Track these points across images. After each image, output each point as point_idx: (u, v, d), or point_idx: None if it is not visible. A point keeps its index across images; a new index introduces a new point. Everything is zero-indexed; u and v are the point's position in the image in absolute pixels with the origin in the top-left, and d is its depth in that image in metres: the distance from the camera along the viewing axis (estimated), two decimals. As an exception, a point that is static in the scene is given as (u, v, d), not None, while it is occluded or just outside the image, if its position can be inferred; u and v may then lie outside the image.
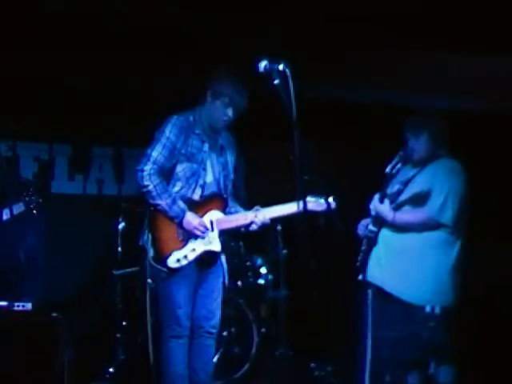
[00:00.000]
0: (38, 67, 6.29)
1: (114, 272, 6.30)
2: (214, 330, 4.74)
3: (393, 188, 4.74)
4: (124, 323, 6.26)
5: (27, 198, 4.85)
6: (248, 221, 4.68)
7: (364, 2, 5.45)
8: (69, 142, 7.05)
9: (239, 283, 6.45)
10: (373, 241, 4.71)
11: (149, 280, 6.23)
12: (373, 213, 4.72)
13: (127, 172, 7.26)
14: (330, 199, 4.61)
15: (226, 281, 4.85)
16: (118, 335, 6.20)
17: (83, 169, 7.11)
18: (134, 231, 6.32)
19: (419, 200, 4.60)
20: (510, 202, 6.95)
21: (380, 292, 4.67)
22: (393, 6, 5.41)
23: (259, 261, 6.56)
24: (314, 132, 4.73)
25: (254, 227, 4.69)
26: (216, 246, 4.68)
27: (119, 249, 6.31)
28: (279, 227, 6.33)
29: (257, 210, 4.69)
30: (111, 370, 6.08)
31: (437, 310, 4.58)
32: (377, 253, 4.70)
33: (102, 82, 6.64)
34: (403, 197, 4.69)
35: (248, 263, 6.51)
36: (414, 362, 4.60)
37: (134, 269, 6.35)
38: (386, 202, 4.64)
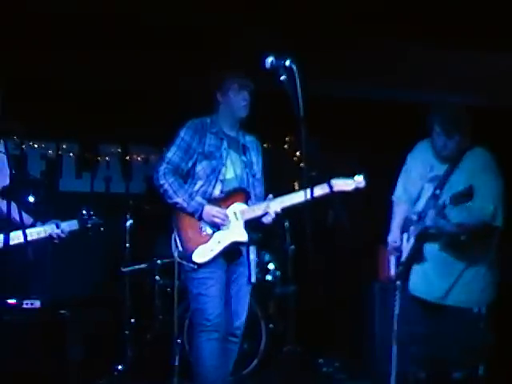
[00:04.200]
0: (45, 67, 6.30)
1: (122, 269, 6.30)
2: (237, 332, 4.72)
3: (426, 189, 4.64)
4: (132, 320, 6.25)
5: (85, 217, 4.82)
6: (262, 211, 4.66)
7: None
8: (76, 140, 7.08)
9: (252, 276, 6.45)
10: (416, 256, 4.61)
11: (156, 277, 6.28)
12: (415, 232, 4.59)
13: (134, 170, 7.28)
14: (359, 178, 4.65)
15: (253, 278, 4.82)
16: (127, 332, 6.20)
17: (91, 167, 7.13)
18: (141, 229, 6.37)
19: (463, 202, 4.36)
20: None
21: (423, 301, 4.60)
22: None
23: (267, 257, 6.55)
24: (322, 128, 4.72)
25: (268, 218, 4.66)
26: (242, 237, 4.67)
27: (127, 246, 6.31)
28: (287, 223, 6.32)
29: (269, 199, 4.68)
30: (120, 367, 6.07)
31: (483, 310, 4.57)
32: (424, 269, 4.59)
33: (109, 81, 6.66)
34: (443, 200, 4.49)
35: (256, 259, 6.49)
36: (459, 361, 4.58)
37: (141, 266, 6.38)
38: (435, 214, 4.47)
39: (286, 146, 6.93)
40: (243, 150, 4.78)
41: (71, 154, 7.08)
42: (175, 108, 6.28)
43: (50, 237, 4.62)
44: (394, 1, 5.50)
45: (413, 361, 4.59)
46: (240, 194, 4.71)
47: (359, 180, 4.66)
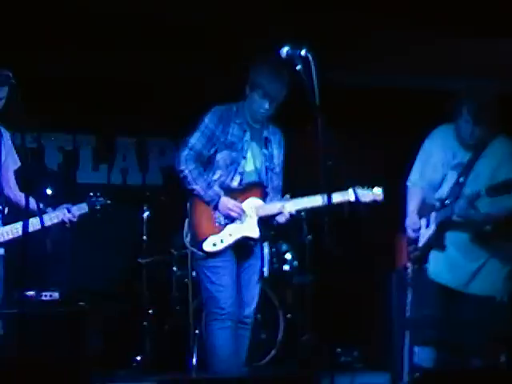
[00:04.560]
0: (62, 64, 6.32)
1: (140, 260, 6.33)
2: (247, 320, 4.74)
3: (450, 176, 4.60)
4: (150, 311, 6.28)
5: (93, 199, 4.86)
6: (277, 210, 4.66)
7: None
8: (93, 133, 7.09)
9: (264, 269, 6.45)
10: (437, 243, 4.60)
11: (174, 268, 6.30)
12: (438, 219, 4.58)
13: (151, 162, 7.29)
14: (378, 191, 4.62)
15: (266, 271, 4.85)
16: (145, 323, 6.23)
17: (107, 159, 7.14)
18: (158, 220, 6.39)
19: (502, 194, 4.31)
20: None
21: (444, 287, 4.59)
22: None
23: (284, 247, 6.55)
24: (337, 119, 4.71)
25: (282, 218, 4.66)
26: (254, 233, 4.67)
27: (144, 237, 6.34)
28: (303, 214, 6.32)
29: (286, 199, 4.69)
30: (138, 358, 6.12)
31: (505, 298, 4.55)
32: (447, 255, 4.57)
33: (126, 74, 6.67)
34: (470, 189, 4.44)
35: (273, 249, 6.50)
36: (478, 349, 4.55)
37: (159, 257, 6.41)
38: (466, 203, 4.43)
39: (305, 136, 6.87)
40: (265, 142, 4.76)
41: (88, 147, 7.10)
42: (190, 100, 6.28)
43: (63, 221, 4.64)
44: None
45: (427, 343, 4.58)
46: (257, 188, 4.71)
47: (377, 193, 4.62)
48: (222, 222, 4.62)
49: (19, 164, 4.71)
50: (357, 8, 5.65)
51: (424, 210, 4.71)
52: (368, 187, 4.62)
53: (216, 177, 4.65)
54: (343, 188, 4.50)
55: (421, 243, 4.67)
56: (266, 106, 4.61)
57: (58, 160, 6.98)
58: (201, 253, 4.60)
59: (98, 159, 7.12)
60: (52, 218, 4.54)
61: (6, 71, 4.10)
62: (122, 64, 6.49)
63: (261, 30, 5.80)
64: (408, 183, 4.84)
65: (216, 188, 4.61)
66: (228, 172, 4.65)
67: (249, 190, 4.69)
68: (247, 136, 4.69)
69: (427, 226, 4.67)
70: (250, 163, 4.70)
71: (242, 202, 4.65)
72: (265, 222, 4.71)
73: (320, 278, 6.24)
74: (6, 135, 4.73)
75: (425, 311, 4.58)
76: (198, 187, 4.60)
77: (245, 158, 4.67)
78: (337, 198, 4.49)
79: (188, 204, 4.69)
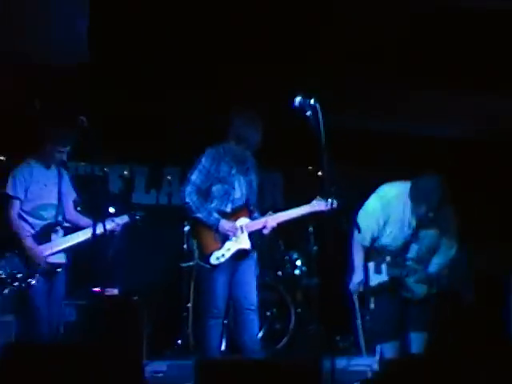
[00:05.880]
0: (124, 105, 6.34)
1: (181, 264, 6.35)
2: (252, 307, 4.77)
3: None
4: (189, 305, 6.26)
5: (132, 212, 4.99)
6: (261, 225, 4.78)
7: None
8: (145, 164, 7.14)
9: (279, 273, 6.48)
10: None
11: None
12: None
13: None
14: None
15: (256, 272, 4.93)
16: (185, 314, 6.23)
17: (156, 184, 7.17)
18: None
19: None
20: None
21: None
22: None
23: (295, 255, 6.56)
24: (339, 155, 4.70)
25: (265, 231, 4.79)
26: (246, 245, 4.78)
27: (185, 246, 6.35)
28: (311, 228, 6.35)
29: (269, 214, 4.81)
30: (179, 341, 6.13)
31: None
32: None
33: (174, 115, 6.65)
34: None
35: (286, 257, 6.54)
36: None
37: (195, 261, 6.41)
38: None
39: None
40: (246, 171, 4.87)
41: (142, 175, 7.15)
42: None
43: (111, 230, 4.78)
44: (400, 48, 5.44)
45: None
46: (244, 209, 4.84)
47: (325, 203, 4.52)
48: (221, 240, 4.72)
49: (75, 195, 4.97)
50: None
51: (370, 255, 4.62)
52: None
53: (213, 205, 4.75)
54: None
55: (368, 283, 4.58)
56: (248, 154, 4.75)
57: (119, 185, 7.03)
58: (208, 265, 4.68)
59: (149, 185, 7.15)
60: (101, 227, 4.60)
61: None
62: (172, 108, 6.45)
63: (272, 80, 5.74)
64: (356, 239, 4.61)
65: (215, 214, 4.71)
66: (222, 201, 4.76)
67: (238, 211, 4.81)
68: (234, 171, 4.79)
69: (377, 271, 4.59)
70: (238, 191, 4.81)
71: (234, 221, 4.75)
72: (254, 234, 4.81)
73: (324, 280, 6.25)
74: (66, 175, 4.94)
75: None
76: (201, 215, 4.70)
77: (234, 188, 4.79)
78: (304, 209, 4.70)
79: (189, 228, 4.87)
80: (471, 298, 4.85)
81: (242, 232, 4.76)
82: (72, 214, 4.96)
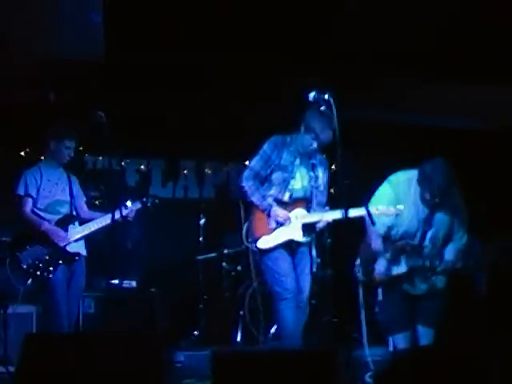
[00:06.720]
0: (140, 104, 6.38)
1: (197, 257, 6.39)
2: (301, 304, 4.71)
3: None
4: (205, 297, 6.34)
5: (144, 199, 5.03)
6: (317, 218, 4.65)
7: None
8: (162, 158, 7.17)
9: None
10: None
11: (223, 263, 6.35)
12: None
13: (206, 180, 7.34)
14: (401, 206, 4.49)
15: (314, 268, 4.82)
16: (201, 306, 6.28)
17: (173, 178, 7.20)
18: (211, 225, 6.46)
19: None
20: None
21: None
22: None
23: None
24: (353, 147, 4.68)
25: (320, 225, 4.65)
26: (298, 236, 4.68)
27: (201, 239, 6.41)
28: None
29: (326, 210, 4.69)
30: (196, 332, 6.16)
31: None
32: None
33: (188, 113, 6.66)
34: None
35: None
36: None
37: (212, 255, 6.46)
38: None
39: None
40: (312, 167, 4.75)
41: (158, 168, 7.17)
42: (240, 133, 6.33)
43: (125, 216, 4.80)
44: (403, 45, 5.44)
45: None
46: (303, 201, 4.71)
47: (400, 208, 4.45)
48: (273, 226, 4.65)
49: (85, 198, 5.07)
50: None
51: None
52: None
53: (271, 192, 4.68)
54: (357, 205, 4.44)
55: (388, 272, 4.56)
56: (315, 145, 4.64)
57: (136, 179, 7.06)
58: (256, 249, 4.65)
59: (165, 178, 7.18)
60: (116, 213, 4.61)
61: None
62: (185, 106, 6.49)
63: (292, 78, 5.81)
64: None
65: (269, 200, 4.65)
66: (280, 188, 4.67)
67: (296, 203, 4.69)
68: (297, 161, 4.69)
69: (395, 262, 4.55)
70: (298, 182, 4.70)
71: (290, 211, 4.67)
72: (308, 227, 4.71)
73: (337, 272, 6.26)
74: (74, 179, 5.01)
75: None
76: (255, 199, 4.65)
77: (294, 178, 4.68)
78: (353, 213, 4.39)
79: (245, 212, 4.75)
80: (484, 287, 4.81)
81: (297, 221, 4.63)
82: (86, 212, 5.03)
